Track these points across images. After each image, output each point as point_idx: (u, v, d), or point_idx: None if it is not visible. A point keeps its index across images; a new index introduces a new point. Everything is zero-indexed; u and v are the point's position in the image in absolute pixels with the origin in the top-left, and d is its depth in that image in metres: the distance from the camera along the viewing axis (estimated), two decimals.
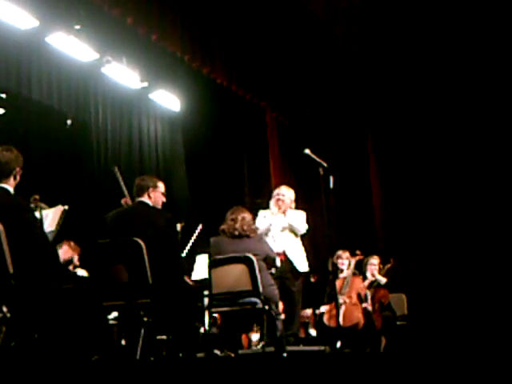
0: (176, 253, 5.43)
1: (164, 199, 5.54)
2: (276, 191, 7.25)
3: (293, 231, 7.05)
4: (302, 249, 7.09)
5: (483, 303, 8.69)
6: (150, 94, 9.47)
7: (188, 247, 6.28)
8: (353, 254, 8.35)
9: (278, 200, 7.09)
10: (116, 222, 5.34)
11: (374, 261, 8.62)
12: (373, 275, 8.49)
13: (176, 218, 5.47)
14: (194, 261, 6.85)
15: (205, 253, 6.44)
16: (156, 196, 5.43)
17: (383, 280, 8.48)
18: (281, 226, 7.03)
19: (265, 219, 7.04)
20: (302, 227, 7.07)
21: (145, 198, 5.38)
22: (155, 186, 5.44)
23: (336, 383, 3.87)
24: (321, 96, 11.04)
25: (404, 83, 10.56)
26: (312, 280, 8.44)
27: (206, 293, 5.99)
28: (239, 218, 6.16)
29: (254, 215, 6.67)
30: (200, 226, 6.47)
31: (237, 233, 6.11)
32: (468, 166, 9.94)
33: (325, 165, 5.94)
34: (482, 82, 9.83)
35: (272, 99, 10.73)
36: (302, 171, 9.67)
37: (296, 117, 11.13)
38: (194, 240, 6.73)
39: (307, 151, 5.98)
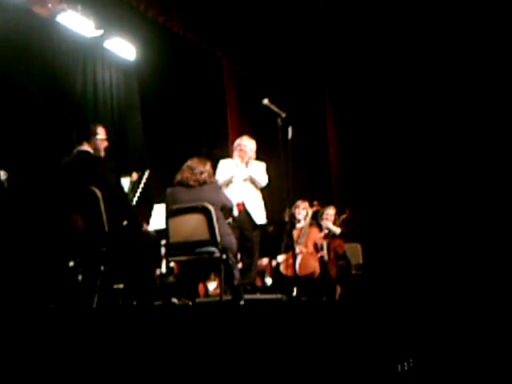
0: (125, 201, 5.39)
1: (106, 144, 5.52)
2: (237, 141, 7.17)
3: (253, 183, 7.03)
4: (262, 201, 7.06)
5: (434, 253, 8.84)
6: (105, 42, 9.30)
7: (137, 195, 6.25)
8: (310, 205, 8.42)
9: (241, 151, 7.04)
10: (60, 174, 5.31)
11: (330, 211, 8.72)
12: (328, 226, 8.58)
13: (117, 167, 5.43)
14: (151, 210, 6.82)
15: (162, 202, 6.40)
16: (97, 143, 5.42)
17: (338, 230, 8.60)
18: (242, 177, 6.99)
19: (227, 170, 6.99)
20: (263, 180, 7.04)
21: (85, 147, 5.36)
22: (95, 133, 5.42)
23: (293, 330, 3.92)
24: (279, 45, 10.94)
25: (364, 36, 10.52)
26: (269, 230, 8.48)
27: (163, 242, 6.09)
28: (194, 167, 6.11)
29: (212, 165, 6.54)
30: (147, 173, 6.44)
31: (192, 182, 6.06)
32: (423, 120, 9.99)
33: (283, 115, 5.89)
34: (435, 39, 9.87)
35: (228, 48, 10.64)
36: (260, 122, 9.62)
37: (253, 66, 11.05)
38: (145, 187, 6.65)
39: (265, 101, 5.90)
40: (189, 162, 6.20)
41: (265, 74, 11.06)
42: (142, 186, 6.22)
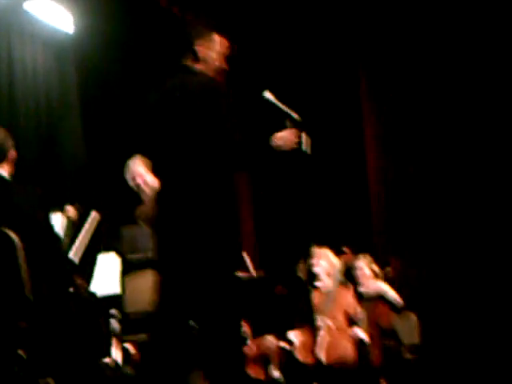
0: (58, 251, 5.40)
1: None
2: None
3: None
4: None
5: None
6: (27, 3, 9.26)
7: (80, 241, 6.27)
8: (338, 253, 8.41)
9: None
10: None
11: (363, 262, 8.62)
12: (370, 285, 8.46)
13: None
14: (92, 263, 6.81)
15: (111, 250, 6.52)
16: (13, 160, 5.47)
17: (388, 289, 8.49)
18: None
19: None
20: None
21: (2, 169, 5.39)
22: (13, 146, 5.48)
23: None
24: (288, 13, 10.95)
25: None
26: (276, 292, 8.43)
27: (114, 313, 6.17)
28: None
29: None
30: (94, 213, 6.46)
31: None
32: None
33: (294, 116, 5.80)
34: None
35: (214, 14, 10.64)
36: (260, 124, 9.60)
37: (252, 42, 11.09)
38: (91, 231, 6.58)
39: (268, 95, 5.81)
40: None
41: (268, 52, 11.12)
42: (87, 228, 6.22)
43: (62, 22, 9.66)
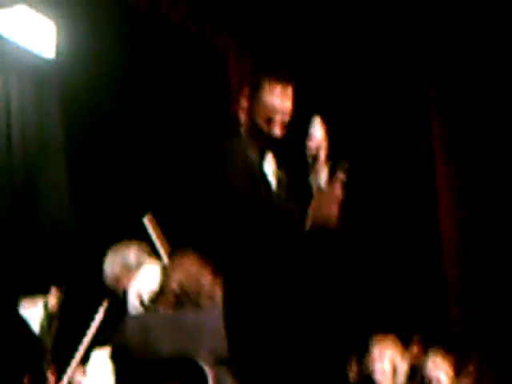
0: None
1: None
2: None
3: None
4: None
5: None
6: None
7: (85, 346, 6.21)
8: (405, 347, 8.22)
9: None
10: None
11: (439, 360, 8.31)
12: None
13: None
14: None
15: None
16: None
17: None
18: None
19: None
20: None
21: None
22: None
23: None
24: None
25: None
26: None
27: None
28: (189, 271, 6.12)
29: None
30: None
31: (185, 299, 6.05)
32: None
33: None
34: None
35: (239, 32, 11.00)
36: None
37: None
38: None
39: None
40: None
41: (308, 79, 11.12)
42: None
43: (42, 44, 9.54)
